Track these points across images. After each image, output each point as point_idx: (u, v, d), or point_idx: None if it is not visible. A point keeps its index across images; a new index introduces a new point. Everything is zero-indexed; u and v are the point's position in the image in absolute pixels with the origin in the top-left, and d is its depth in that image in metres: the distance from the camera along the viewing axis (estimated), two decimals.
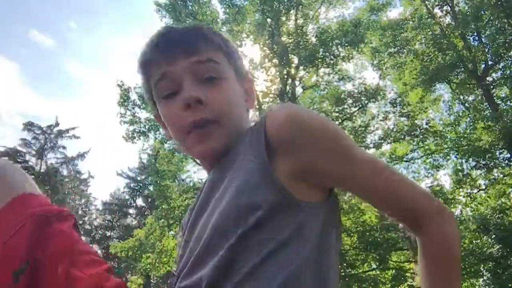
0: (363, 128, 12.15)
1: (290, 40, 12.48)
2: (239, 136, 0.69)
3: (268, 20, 12.70)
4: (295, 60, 12.62)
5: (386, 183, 0.62)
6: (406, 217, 0.65)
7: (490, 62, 12.33)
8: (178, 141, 0.71)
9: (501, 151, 11.50)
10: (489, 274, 10.43)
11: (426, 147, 12.41)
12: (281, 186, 0.58)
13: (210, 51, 0.69)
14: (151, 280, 19.79)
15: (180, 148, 0.72)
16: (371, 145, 12.18)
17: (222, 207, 0.59)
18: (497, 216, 10.41)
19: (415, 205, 0.62)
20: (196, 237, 0.63)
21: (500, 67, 12.55)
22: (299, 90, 13.18)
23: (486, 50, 12.12)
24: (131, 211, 24.87)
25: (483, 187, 12.37)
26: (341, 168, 0.61)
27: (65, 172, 23.45)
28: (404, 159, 13.03)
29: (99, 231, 24.31)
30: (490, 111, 11.59)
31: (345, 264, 10.55)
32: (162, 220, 12.29)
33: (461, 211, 12.07)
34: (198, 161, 0.78)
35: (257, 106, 12.97)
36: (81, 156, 23.19)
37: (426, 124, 12.31)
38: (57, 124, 23.59)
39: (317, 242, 0.58)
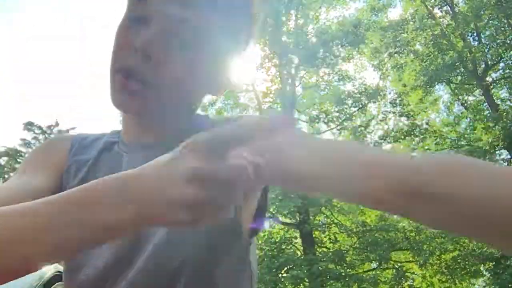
0: (363, 128, 12.17)
1: (290, 40, 12.50)
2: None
3: (268, 20, 12.72)
4: (295, 60, 12.63)
5: None
6: None
7: (490, 62, 12.36)
8: (110, 68, 0.55)
9: (500, 151, 11.52)
10: (489, 274, 10.44)
11: (426, 147, 12.42)
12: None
13: (212, 9, 0.52)
14: None
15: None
16: (372, 145, 12.21)
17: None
18: None
19: None
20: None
21: (500, 67, 12.57)
22: (299, 90, 13.21)
23: (486, 50, 12.14)
24: None
25: None
26: None
27: None
28: None
29: None
30: (490, 111, 11.62)
31: (345, 264, 10.55)
32: None
33: None
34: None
35: (257, 107, 12.99)
36: None
37: (426, 124, 12.34)
38: (57, 124, 23.62)
39: None
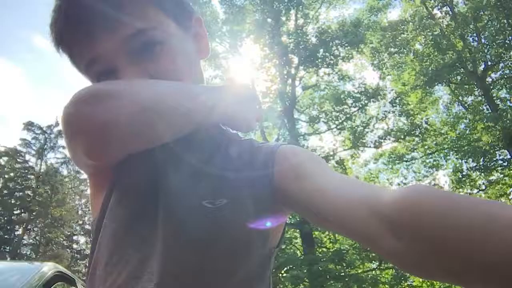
0: (363, 128, 12.17)
1: (290, 40, 12.50)
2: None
3: (268, 20, 12.72)
4: (295, 60, 12.64)
5: None
6: None
7: (489, 63, 12.36)
8: None
9: (500, 151, 11.52)
10: None
11: (426, 146, 12.43)
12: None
13: (139, 15, 0.54)
14: None
15: None
16: (372, 144, 12.21)
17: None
18: None
19: None
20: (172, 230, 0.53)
21: (500, 67, 12.57)
22: (299, 90, 13.21)
23: (486, 50, 12.15)
24: None
25: (483, 187, 12.39)
26: None
27: (65, 172, 23.47)
28: (404, 159, 13.06)
29: None
30: (490, 111, 11.62)
31: (345, 264, 10.54)
32: None
33: None
34: None
35: (257, 106, 12.97)
36: None
37: (426, 123, 12.34)
38: (57, 124, 23.60)
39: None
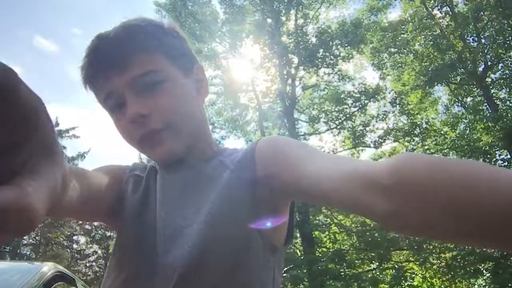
0: (363, 128, 12.18)
1: (290, 40, 12.51)
2: (206, 138, 0.75)
3: (268, 20, 12.72)
4: (295, 60, 12.64)
5: None
6: None
7: (489, 63, 12.36)
8: (133, 147, 0.72)
9: (500, 151, 11.52)
10: (489, 274, 10.44)
11: (426, 146, 12.42)
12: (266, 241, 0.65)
13: (146, 60, 0.66)
14: None
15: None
16: (372, 145, 12.22)
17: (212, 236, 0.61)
18: None
19: None
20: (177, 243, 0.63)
21: (500, 67, 12.57)
22: (299, 90, 13.21)
23: (486, 51, 12.15)
24: None
25: None
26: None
27: None
28: None
29: (99, 231, 24.31)
30: (490, 111, 11.62)
31: (345, 264, 10.55)
32: None
33: None
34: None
35: (257, 107, 12.99)
36: (81, 156, 23.23)
37: (426, 123, 12.34)
38: (57, 124, 23.62)
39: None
